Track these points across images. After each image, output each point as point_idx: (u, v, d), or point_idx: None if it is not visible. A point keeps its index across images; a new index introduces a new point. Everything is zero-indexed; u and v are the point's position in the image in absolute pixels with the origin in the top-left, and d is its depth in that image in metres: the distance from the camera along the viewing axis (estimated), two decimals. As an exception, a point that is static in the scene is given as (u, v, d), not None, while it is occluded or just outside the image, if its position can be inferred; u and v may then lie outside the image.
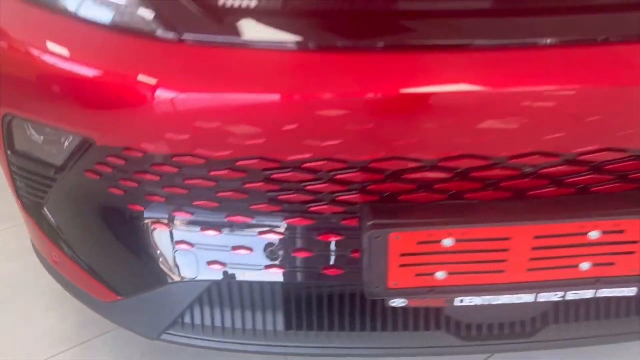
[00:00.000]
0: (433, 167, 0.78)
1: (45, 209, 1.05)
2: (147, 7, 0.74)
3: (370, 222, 0.81)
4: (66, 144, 0.91)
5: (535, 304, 0.92)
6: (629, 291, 0.90)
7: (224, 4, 0.72)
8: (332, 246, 0.88)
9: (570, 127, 0.74)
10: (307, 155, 0.76)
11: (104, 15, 0.77)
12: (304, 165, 0.78)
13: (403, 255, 0.83)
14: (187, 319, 0.97)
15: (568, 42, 0.72)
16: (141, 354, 1.34)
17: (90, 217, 0.97)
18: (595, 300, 0.94)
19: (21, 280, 1.51)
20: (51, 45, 0.80)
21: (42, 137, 0.97)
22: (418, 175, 0.79)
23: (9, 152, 1.01)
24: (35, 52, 0.82)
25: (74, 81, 0.78)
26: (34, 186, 1.03)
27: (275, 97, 0.70)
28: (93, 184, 0.90)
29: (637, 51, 0.72)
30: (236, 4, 0.72)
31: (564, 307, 0.96)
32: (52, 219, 1.04)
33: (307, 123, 0.72)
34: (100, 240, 0.98)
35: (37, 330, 1.41)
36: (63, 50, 0.79)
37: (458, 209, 0.82)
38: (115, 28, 0.77)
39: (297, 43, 0.71)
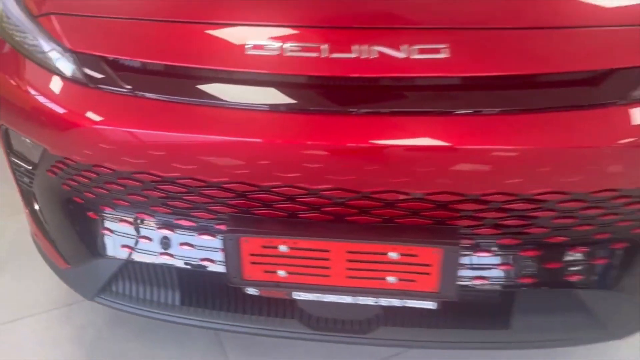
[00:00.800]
0: (268, 191, 1.06)
1: (32, 196, 1.41)
2: (78, 64, 1.09)
3: (228, 228, 1.10)
4: (40, 148, 1.27)
5: (369, 307, 1.18)
6: (430, 304, 1.14)
7: (122, 65, 1.06)
8: (209, 243, 1.17)
9: (359, 172, 1.00)
10: (176, 174, 1.06)
11: (53, 68, 1.12)
12: (178, 180, 1.09)
13: (252, 255, 1.12)
14: (114, 289, 1.30)
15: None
16: (110, 317, 1.69)
17: (52, 204, 1.31)
18: (420, 310, 1.18)
19: (28, 252, 1.87)
20: (22, 84, 1.16)
21: (31, 142, 1.34)
22: (260, 196, 1.08)
23: (8, 150, 1.38)
24: (14, 86, 1.18)
25: (31, 109, 1.14)
26: (25, 178, 1.39)
27: (143, 132, 1.02)
28: (52, 180, 1.25)
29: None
30: (129, 65, 1.05)
31: (393, 313, 1.20)
32: (34, 204, 1.40)
33: (169, 152, 1.03)
34: (58, 222, 1.32)
35: (36, 291, 1.79)
36: (28, 88, 1.15)
37: (290, 224, 1.09)
38: (62, 77, 1.11)
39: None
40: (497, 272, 1.12)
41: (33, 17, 1.19)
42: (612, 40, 0.99)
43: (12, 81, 1.21)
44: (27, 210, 1.44)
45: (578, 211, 1.05)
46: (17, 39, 1.21)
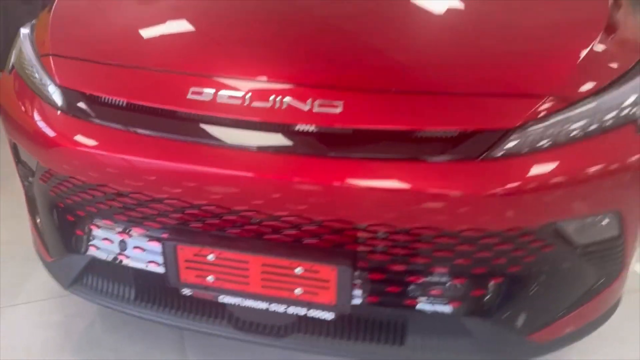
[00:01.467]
0: (199, 208, 1.30)
1: (32, 199, 1.70)
2: (63, 97, 1.37)
3: (167, 237, 1.35)
4: (35, 160, 1.55)
5: (285, 315, 1.39)
6: (329, 315, 1.34)
7: (94, 99, 1.33)
8: (154, 248, 1.41)
9: (265, 198, 1.22)
10: (128, 189, 1.32)
11: (46, 98, 1.41)
12: (131, 195, 1.34)
13: (187, 261, 1.35)
14: (84, 281, 1.56)
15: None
16: (96, 310, 1.95)
17: (44, 206, 1.59)
18: (328, 322, 1.38)
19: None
20: (24, 109, 1.46)
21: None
22: (194, 212, 1.32)
23: (16, 160, 1.68)
24: (20, 110, 1.48)
25: (29, 129, 1.43)
26: (28, 183, 1.68)
27: (104, 153, 1.28)
28: (43, 187, 1.53)
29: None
30: (99, 100, 1.32)
31: (305, 322, 1.40)
32: (33, 206, 1.69)
33: (122, 170, 1.28)
34: (47, 222, 1.59)
35: (35, 282, 2.08)
36: (28, 112, 1.44)
37: (217, 237, 1.32)
38: (51, 105, 1.40)
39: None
40: (388, 294, 1.31)
41: (38, 55, 1.49)
42: (475, 105, 1.20)
43: (20, 105, 1.51)
44: (28, 211, 1.73)
45: (453, 246, 1.24)
46: (27, 72, 1.51)
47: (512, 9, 1.52)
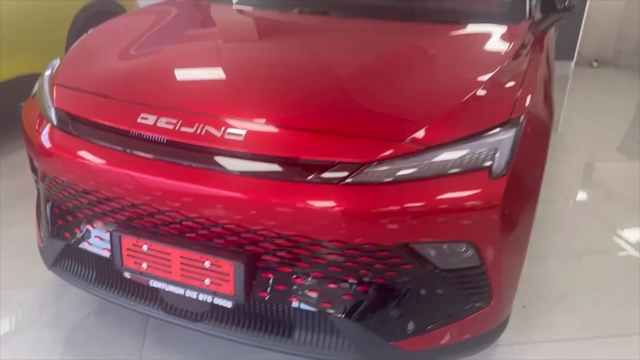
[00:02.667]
0: (136, 207, 1.67)
1: (39, 199, 2.14)
2: (56, 116, 1.81)
3: (114, 228, 1.72)
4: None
5: (201, 303, 1.70)
6: (229, 304, 1.65)
7: (74, 118, 1.76)
8: (107, 238, 1.79)
9: (181, 202, 1.58)
10: (88, 188, 1.72)
11: (47, 117, 1.86)
12: (93, 193, 1.73)
13: (128, 249, 1.72)
14: (61, 263, 1.95)
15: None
16: (85, 296, 2.34)
17: (42, 202, 2.02)
18: (233, 312, 1.69)
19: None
20: (35, 127, 1.91)
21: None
22: (136, 210, 1.69)
23: (31, 165, 2.14)
24: (33, 128, 1.93)
25: (34, 142, 1.87)
26: (37, 183, 2.12)
27: (73, 160, 1.69)
28: (42, 185, 1.96)
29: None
30: (78, 119, 1.75)
31: (218, 312, 1.71)
32: (38, 204, 2.13)
33: (84, 172, 1.69)
34: (42, 213, 2.02)
35: (44, 271, 2.50)
36: (36, 129, 1.89)
37: (149, 232, 1.68)
38: (49, 123, 1.85)
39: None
40: (276, 290, 1.61)
41: (50, 86, 1.96)
42: (341, 143, 1.52)
43: (34, 122, 1.97)
44: (35, 209, 2.17)
45: (324, 254, 1.53)
46: (42, 98, 1.98)
47: (395, 64, 1.89)
